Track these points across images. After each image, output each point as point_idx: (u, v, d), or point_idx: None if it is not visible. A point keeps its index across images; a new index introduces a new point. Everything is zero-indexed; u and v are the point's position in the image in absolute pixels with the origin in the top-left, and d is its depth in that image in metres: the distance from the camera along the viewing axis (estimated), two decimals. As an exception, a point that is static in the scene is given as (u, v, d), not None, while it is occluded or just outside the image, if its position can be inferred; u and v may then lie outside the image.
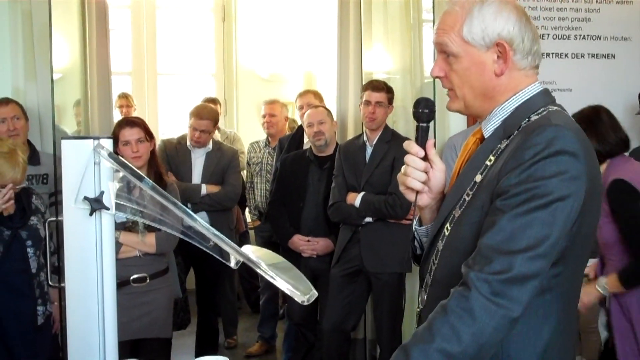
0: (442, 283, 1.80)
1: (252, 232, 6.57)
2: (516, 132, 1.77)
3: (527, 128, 1.74)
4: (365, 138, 4.74)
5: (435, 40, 1.86)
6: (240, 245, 1.62)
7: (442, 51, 1.85)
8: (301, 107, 5.84)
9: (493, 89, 1.83)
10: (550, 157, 1.63)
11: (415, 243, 2.10)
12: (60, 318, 4.05)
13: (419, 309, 1.97)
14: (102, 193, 1.47)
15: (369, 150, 4.68)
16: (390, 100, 4.74)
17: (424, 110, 1.96)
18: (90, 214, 1.47)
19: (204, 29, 8.78)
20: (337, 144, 5.01)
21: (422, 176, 1.92)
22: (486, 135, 1.87)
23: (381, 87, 4.73)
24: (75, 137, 1.51)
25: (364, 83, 5.56)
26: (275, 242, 5.39)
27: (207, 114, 5.44)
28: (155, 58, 8.37)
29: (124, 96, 7.37)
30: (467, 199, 1.79)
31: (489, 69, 1.81)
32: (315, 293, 1.53)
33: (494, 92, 1.83)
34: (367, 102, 4.68)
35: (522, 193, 1.63)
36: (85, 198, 1.46)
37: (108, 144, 1.49)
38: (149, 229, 3.81)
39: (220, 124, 6.60)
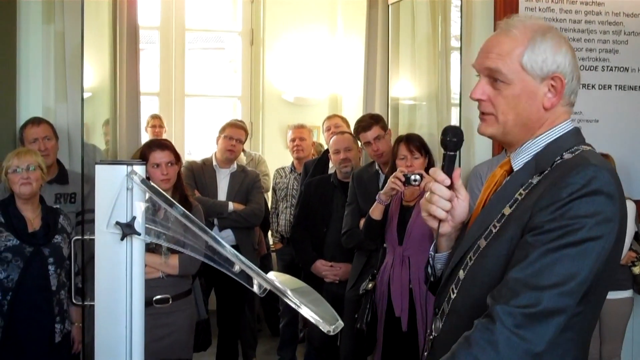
0: (461, 313, 1.80)
1: (273, 255, 6.58)
2: (549, 169, 1.77)
3: (563, 166, 1.74)
4: (377, 166, 4.74)
5: (486, 65, 1.84)
6: (262, 268, 1.64)
7: (489, 75, 1.84)
8: (328, 129, 5.87)
9: (537, 120, 1.83)
10: (587, 196, 1.64)
11: (429, 269, 2.09)
12: (82, 338, 4.07)
13: (431, 337, 1.96)
14: (134, 218, 1.49)
15: (382, 177, 4.66)
16: (384, 127, 4.73)
17: (452, 139, 1.96)
18: (122, 239, 1.49)
19: (232, 52, 8.86)
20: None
21: (447, 205, 1.92)
22: (515, 168, 1.87)
23: (369, 123, 4.70)
24: (109, 162, 1.53)
25: (389, 109, 5.59)
26: (297, 265, 5.39)
27: (241, 124, 5.88)
28: (183, 79, 8.43)
29: (157, 117, 7.46)
30: (494, 230, 1.79)
31: (539, 101, 1.81)
32: (341, 323, 1.53)
33: (536, 124, 1.83)
34: (367, 143, 4.69)
35: (555, 230, 1.64)
36: (117, 223, 1.49)
37: (141, 170, 1.52)
38: (172, 250, 3.83)
39: (246, 146, 6.64)
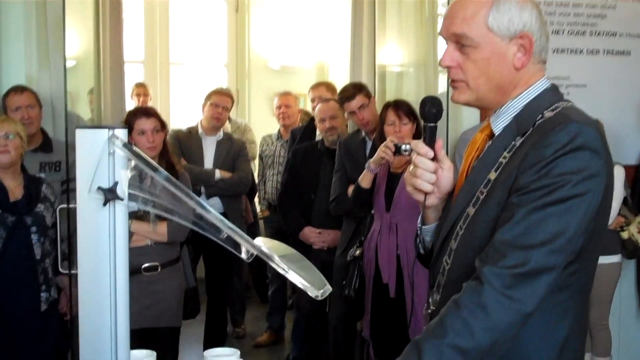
0: (458, 283, 1.75)
1: (261, 223, 6.58)
2: (531, 129, 1.75)
3: (545, 125, 1.71)
4: (364, 133, 4.72)
5: (451, 30, 1.80)
6: (249, 236, 1.61)
7: (457, 41, 1.80)
8: (313, 100, 5.86)
9: (510, 82, 1.80)
10: (571, 152, 1.62)
11: (419, 242, 2.08)
12: (70, 305, 4.06)
13: (430, 310, 1.93)
14: (116, 183, 1.46)
15: (369, 145, 4.64)
16: (367, 95, 4.70)
17: (431, 110, 1.93)
18: (104, 204, 1.46)
19: (216, 19, 8.78)
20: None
21: (432, 178, 1.90)
22: (496, 132, 1.84)
23: (352, 92, 4.66)
24: (89, 127, 1.50)
25: (376, 76, 5.56)
26: (284, 233, 5.39)
27: (227, 92, 5.86)
28: (167, 47, 8.38)
29: (141, 85, 7.42)
30: (482, 197, 1.76)
31: (509, 61, 1.78)
32: (329, 288, 1.52)
33: (510, 85, 1.80)
34: (352, 113, 4.65)
35: (540, 189, 1.62)
36: (99, 188, 1.46)
37: (123, 134, 1.48)
38: (160, 218, 3.81)
39: (232, 114, 6.61)
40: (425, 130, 1.94)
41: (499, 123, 1.83)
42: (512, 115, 1.81)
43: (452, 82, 1.86)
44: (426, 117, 1.94)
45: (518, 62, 1.78)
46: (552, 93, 1.82)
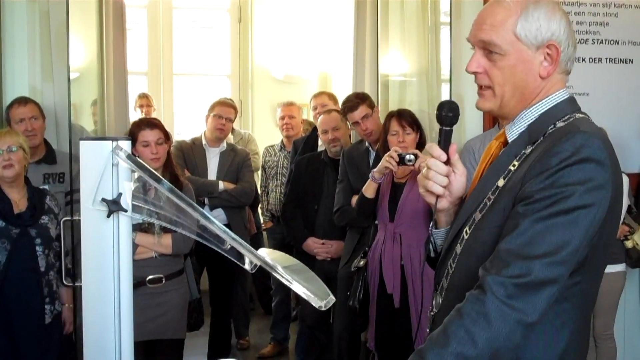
0: (459, 287, 1.78)
1: (264, 234, 6.56)
2: (542, 138, 1.75)
3: (554, 135, 1.72)
4: (367, 143, 4.71)
5: (479, 37, 1.81)
6: (253, 247, 1.61)
7: (484, 47, 1.81)
8: (315, 108, 5.86)
9: (533, 90, 1.81)
10: (577, 164, 1.61)
11: (430, 246, 2.08)
12: (74, 318, 4.05)
13: (432, 313, 1.95)
14: (120, 195, 1.46)
15: (373, 155, 4.64)
16: (371, 105, 4.69)
17: (447, 114, 1.95)
18: (108, 216, 1.46)
19: (220, 30, 8.80)
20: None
21: (444, 180, 1.91)
22: (510, 140, 1.85)
23: (355, 102, 4.63)
24: (93, 138, 1.51)
25: (379, 86, 5.56)
26: (288, 244, 5.38)
27: (230, 103, 5.81)
28: (171, 58, 8.39)
29: (145, 96, 7.41)
30: (489, 203, 1.77)
31: (535, 70, 1.79)
32: (333, 298, 1.51)
33: (532, 93, 1.81)
34: (355, 123, 4.63)
35: (545, 199, 1.62)
36: (103, 200, 1.46)
37: (126, 145, 1.48)
38: (165, 230, 3.81)
39: (235, 125, 6.61)
40: (441, 133, 1.95)
41: (514, 131, 1.85)
42: (527, 124, 1.82)
43: (478, 89, 1.87)
44: (442, 120, 1.95)
45: (544, 71, 1.79)
46: (569, 104, 1.82)
